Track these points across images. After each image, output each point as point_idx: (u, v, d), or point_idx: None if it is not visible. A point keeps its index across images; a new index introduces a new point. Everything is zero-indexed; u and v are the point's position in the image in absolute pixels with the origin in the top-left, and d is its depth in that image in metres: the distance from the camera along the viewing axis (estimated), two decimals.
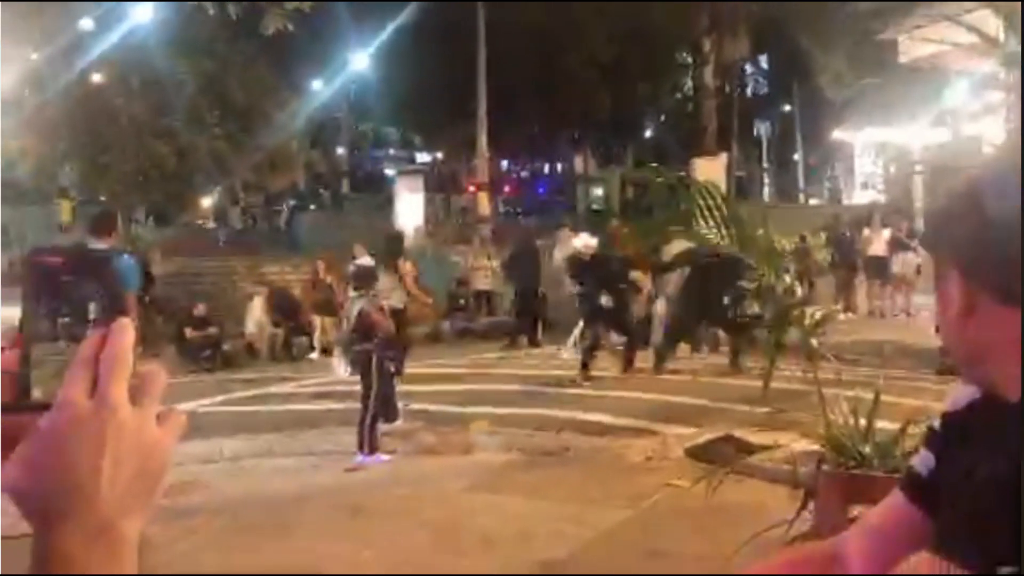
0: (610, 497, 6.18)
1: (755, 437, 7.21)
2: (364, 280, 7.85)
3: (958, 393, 1.29)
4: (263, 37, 13.60)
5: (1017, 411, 1.08)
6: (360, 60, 28.27)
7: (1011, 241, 1.08)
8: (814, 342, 3.74)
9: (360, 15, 26.34)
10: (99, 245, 7.08)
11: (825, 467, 2.96)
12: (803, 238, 15.84)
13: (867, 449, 3.14)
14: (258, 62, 21.98)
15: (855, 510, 1.63)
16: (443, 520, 5.77)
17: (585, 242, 12.42)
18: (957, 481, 1.14)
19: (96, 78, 20.20)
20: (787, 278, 3.79)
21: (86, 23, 17.33)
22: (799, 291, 3.83)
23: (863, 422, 3.50)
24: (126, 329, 0.71)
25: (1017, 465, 0.99)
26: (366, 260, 15.60)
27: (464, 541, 5.31)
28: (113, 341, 0.69)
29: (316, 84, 28.46)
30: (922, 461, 1.29)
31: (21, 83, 17.93)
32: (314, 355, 14.98)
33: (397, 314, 12.45)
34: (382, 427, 7.66)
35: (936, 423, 1.31)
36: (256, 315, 15.79)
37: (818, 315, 3.61)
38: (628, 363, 11.09)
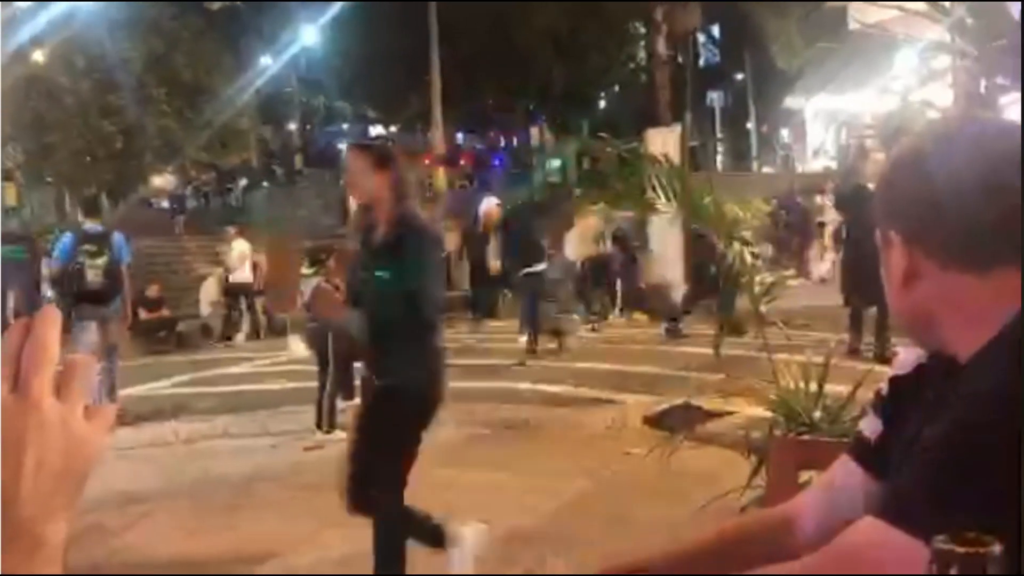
0: (572, 467, 6.20)
1: (712, 404, 7.28)
2: (318, 257, 7.77)
3: (905, 356, 1.29)
4: (210, 12, 13.31)
5: (966, 371, 1.08)
6: (309, 34, 27.89)
7: (951, 207, 1.08)
8: (763, 308, 3.76)
9: None
10: (94, 226, 8.96)
11: (777, 432, 2.98)
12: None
13: (817, 414, 3.18)
14: (206, 38, 21.59)
15: (806, 475, 1.64)
16: (405, 496, 5.75)
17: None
18: (905, 444, 1.14)
19: (38, 57, 19.71)
20: (736, 245, 3.80)
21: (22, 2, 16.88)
22: (750, 259, 3.83)
23: (813, 387, 3.55)
24: (51, 318, 0.66)
25: (967, 427, 0.99)
26: (240, 244, 15.41)
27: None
28: (37, 331, 0.65)
29: (265, 59, 28.03)
30: (869, 426, 1.30)
31: None
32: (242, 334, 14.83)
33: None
34: (340, 404, 7.61)
35: (884, 387, 1.31)
36: (210, 295, 15.62)
37: (768, 280, 3.63)
38: None
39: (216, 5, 10.00)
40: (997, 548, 0.65)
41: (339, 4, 25.41)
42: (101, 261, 8.82)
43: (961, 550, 0.64)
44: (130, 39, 19.81)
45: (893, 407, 1.26)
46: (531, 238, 11.12)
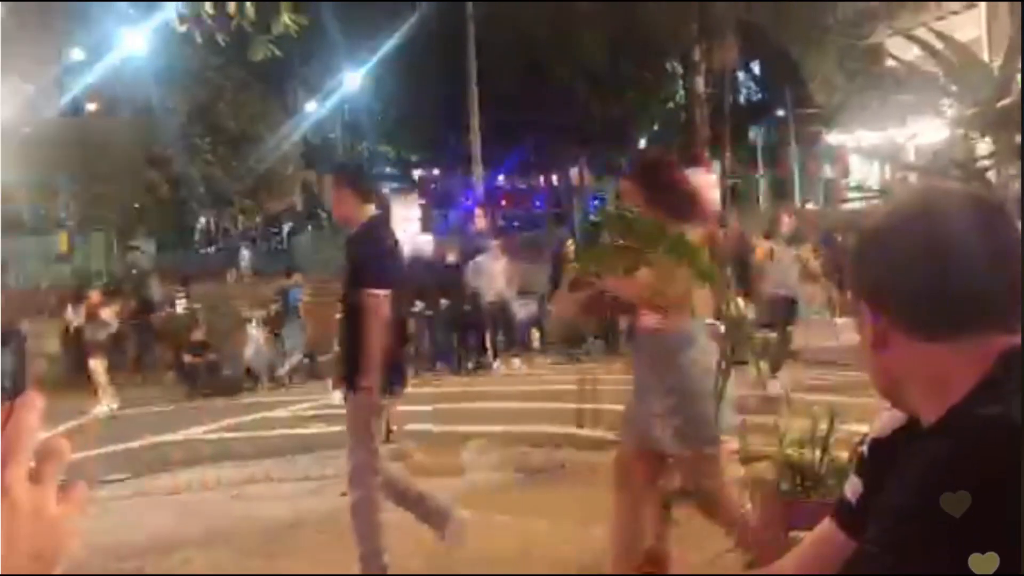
0: (607, 513, 6.16)
1: (753, 444, 7.19)
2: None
3: (886, 418, 1.31)
4: (253, 63, 13.52)
5: (925, 439, 1.10)
6: (352, 80, 28.39)
7: (914, 280, 1.12)
8: (762, 365, 3.75)
9: (351, 35, 26.46)
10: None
11: (784, 486, 2.96)
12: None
13: (822, 471, 3.11)
14: (250, 88, 22.09)
15: (802, 534, 1.65)
16: (439, 542, 5.76)
17: None
18: (879, 507, 1.16)
19: (88, 108, 20.30)
20: (740, 302, 3.79)
21: (77, 54, 17.40)
22: (751, 314, 3.83)
23: (823, 436, 3.47)
24: (30, 405, 0.69)
25: (920, 496, 0.99)
26: (105, 311, 14.93)
27: (460, 562, 5.30)
28: (15, 418, 0.68)
29: (309, 106, 28.55)
30: (851, 487, 1.32)
31: (16, 115, 17.97)
32: None
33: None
34: None
35: (865, 449, 1.33)
36: (255, 339, 15.80)
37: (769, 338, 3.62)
38: None
39: (258, 57, 10.24)
40: None
41: (382, 51, 25.88)
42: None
43: None
44: (174, 91, 20.34)
45: (872, 469, 1.28)
46: None
